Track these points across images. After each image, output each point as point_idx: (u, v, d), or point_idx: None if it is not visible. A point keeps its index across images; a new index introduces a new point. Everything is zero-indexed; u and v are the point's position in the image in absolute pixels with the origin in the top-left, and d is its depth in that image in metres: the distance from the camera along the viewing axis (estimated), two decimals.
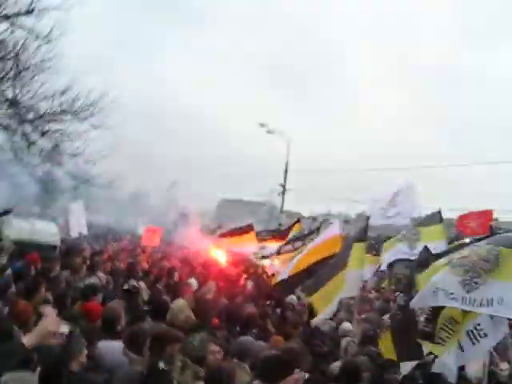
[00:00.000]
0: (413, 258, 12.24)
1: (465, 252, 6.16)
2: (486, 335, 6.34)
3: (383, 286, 18.94)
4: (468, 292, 5.72)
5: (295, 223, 16.94)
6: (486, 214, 17.84)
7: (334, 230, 10.28)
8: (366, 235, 8.82)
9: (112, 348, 5.36)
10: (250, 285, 13.98)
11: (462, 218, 17.75)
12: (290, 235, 15.49)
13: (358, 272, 8.20)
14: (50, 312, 5.03)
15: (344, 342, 8.04)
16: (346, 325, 9.10)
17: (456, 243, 13.19)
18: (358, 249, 8.24)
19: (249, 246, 15.74)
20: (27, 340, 3.69)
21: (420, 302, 6.24)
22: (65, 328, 3.94)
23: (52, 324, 3.77)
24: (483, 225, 17.68)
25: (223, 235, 16.74)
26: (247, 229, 16.13)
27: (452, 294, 5.80)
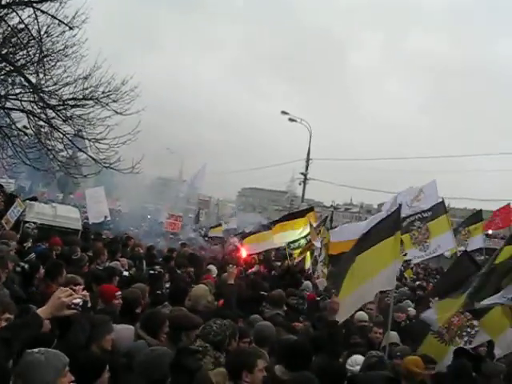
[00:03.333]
0: (429, 257, 12.29)
1: None
2: None
3: (405, 276, 18.83)
4: None
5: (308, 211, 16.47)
6: (505, 209, 17.79)
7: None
8: (400, 226, 8.43)
9: (122, 330, 5.35)
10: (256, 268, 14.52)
11: (494, 216, 17.78)
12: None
13: (395, 264, 7.88)
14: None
15: None
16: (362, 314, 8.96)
17: None
18: (394, 240, 7.87)
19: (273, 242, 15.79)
20: (41, 312, 3.64)
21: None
22: (79, 299, 3.89)
23: (66, 295, 3.74)
24: (505, 219, 17.66)
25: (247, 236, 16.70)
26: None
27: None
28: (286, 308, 8.48)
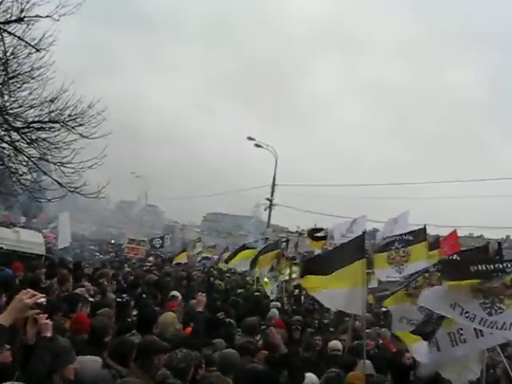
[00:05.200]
0: (401, 280, 12.31)
1: (488, 279, 6.11)
2: (465, 341, 6.35)
3: (370, 302, 18.85)
4: (490, 315, 5.72)
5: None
6: (453, 235, 18.01)
7: None
8: (365, 252, 8.39)
9: (88, 362, 5.17)
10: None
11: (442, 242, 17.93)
12: None
13: (362, 290, 7.62)
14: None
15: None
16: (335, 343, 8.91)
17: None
18: (360, 265, 7.70)
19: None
20: (3, 319, 3.52)
21: (432, 304, 6.17)
22: (43, 299, 3.79)
23: (28, 296, 3.64)
24: (454, 246, 17.84)
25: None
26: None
27: (468, 312, 5.81)
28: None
